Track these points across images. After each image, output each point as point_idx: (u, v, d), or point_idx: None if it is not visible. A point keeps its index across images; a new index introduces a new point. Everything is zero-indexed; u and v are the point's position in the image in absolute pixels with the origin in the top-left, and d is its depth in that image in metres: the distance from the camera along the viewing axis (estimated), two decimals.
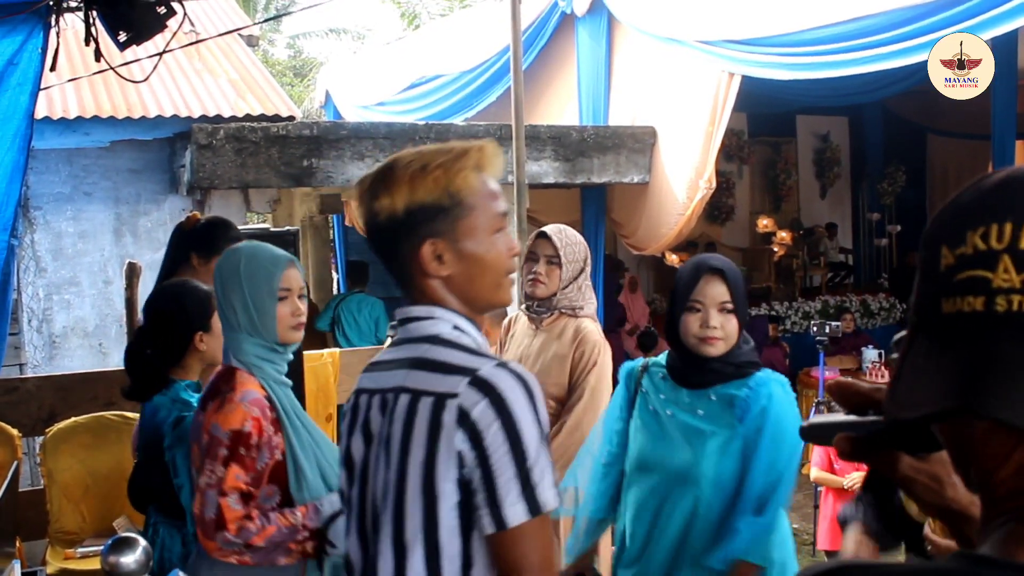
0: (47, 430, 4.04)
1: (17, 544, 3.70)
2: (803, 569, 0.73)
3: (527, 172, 5.19)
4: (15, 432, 3.95)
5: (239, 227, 3.44)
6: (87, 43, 3.15)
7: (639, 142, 6.73)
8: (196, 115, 5.99)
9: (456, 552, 1.35)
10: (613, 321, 8.11)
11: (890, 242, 11.89)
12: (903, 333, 1.23)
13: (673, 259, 9.47)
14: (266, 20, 19.15)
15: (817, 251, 11.42)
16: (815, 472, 4.43)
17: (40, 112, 4.75)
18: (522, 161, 4.86)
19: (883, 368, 7.10)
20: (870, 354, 7.48)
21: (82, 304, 6.20)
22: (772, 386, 2.18)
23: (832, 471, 4.33)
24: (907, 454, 0.79)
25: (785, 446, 2.12)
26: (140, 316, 3.30)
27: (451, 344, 1.42)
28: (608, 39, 7.01)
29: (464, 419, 1.32)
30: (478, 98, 8.28)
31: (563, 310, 2.91)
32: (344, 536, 1.55)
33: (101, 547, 2.32)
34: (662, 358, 2.38)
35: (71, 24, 3.28)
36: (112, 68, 3.44)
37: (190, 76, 6.73)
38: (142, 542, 2.27)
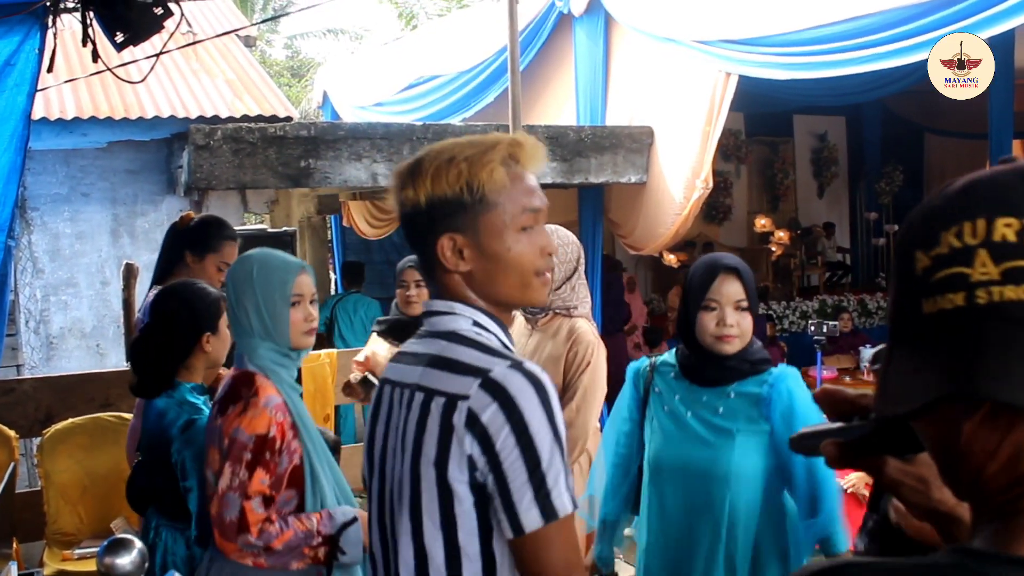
0: (44, 431, 4.04)
1: (14, 545, 3.70)
2: (803, 567, 0.73)
3: None
4: (12, 433, 3.95)
5: (236, 228, 3.44)
6: (84, 44, 3.15)
7: (636, 142, 6.72)
8: (193, 116, 5.98)
9: (476, 553, 1.33)
10: (619, 321, 8.14)
11: (888, 241, 11.89)
12: (883, 346, 1.23)
13: (671, 259, 9.47)
14: (264, 20, 19.15)
15: (815, 251, 11.44)
16: None
17: (37, 113, 4.74)
18: None
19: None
20: (868, 353, 7.47)
21: (79, 305, 6.18)
22: (790, 381, 2.19)
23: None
24: (893, 457, 0.80)
25: None
26: (137, 316, 3.30)
27: (469, 342, 1.39)
28: (605, 39, 7.00)
29: (474, 422, 1.30)
30: (476, 98, 8.27)
31: (557, 310, 2.91)
32: (354, 544, 1.55)
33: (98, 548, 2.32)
34: (669, 356, 2.38)
35: (68, 25, 3.27)
36: (109, 69, 3.43)
37: (187, 77, 6.71)
38: (138, 543, 2.27)
